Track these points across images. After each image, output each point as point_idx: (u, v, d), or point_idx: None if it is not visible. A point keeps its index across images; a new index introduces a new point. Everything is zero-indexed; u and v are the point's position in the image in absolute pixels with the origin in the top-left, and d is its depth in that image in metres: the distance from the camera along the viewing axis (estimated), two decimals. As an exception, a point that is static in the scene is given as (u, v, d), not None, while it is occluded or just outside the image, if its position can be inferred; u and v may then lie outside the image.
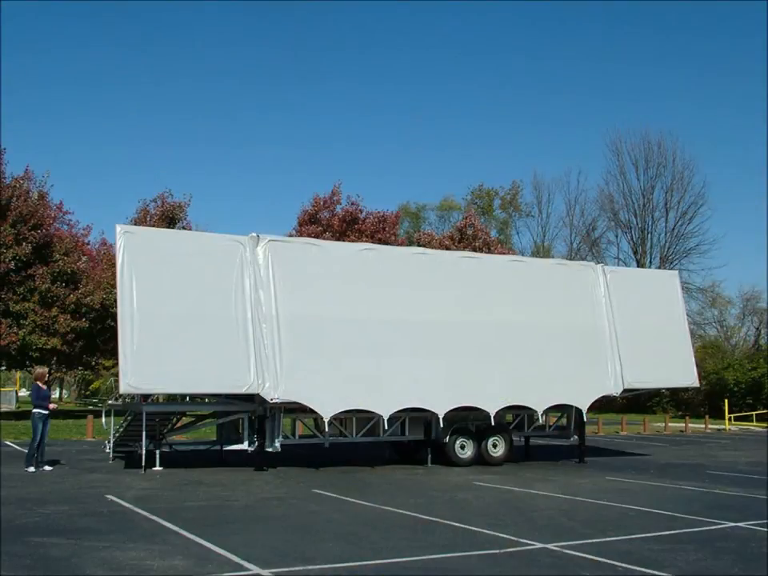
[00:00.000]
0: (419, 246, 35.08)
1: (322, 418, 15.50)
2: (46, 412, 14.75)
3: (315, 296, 15.52)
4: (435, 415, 15.88)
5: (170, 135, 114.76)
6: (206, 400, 16.73)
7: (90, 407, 48.56)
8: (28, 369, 36.95)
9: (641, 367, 18.20)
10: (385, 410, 15.35)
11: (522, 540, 8.48)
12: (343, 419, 16.10)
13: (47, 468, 14.50)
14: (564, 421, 18.67)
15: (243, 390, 14.59)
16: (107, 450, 16.40)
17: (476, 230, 43.93)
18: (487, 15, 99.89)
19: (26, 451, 14.92)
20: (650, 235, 60.50)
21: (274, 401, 14.70)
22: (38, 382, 15.01)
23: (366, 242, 31.66)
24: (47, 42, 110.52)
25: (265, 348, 14.73)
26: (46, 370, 16.99)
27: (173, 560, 7.35)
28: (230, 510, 10.37)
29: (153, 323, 14.05)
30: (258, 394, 14.64)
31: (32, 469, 14.26)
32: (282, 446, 15.31)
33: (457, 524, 9.42)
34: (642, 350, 18.25)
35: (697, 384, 19.97)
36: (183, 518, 9.52)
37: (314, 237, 30.16)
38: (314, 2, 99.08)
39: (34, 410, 14.72)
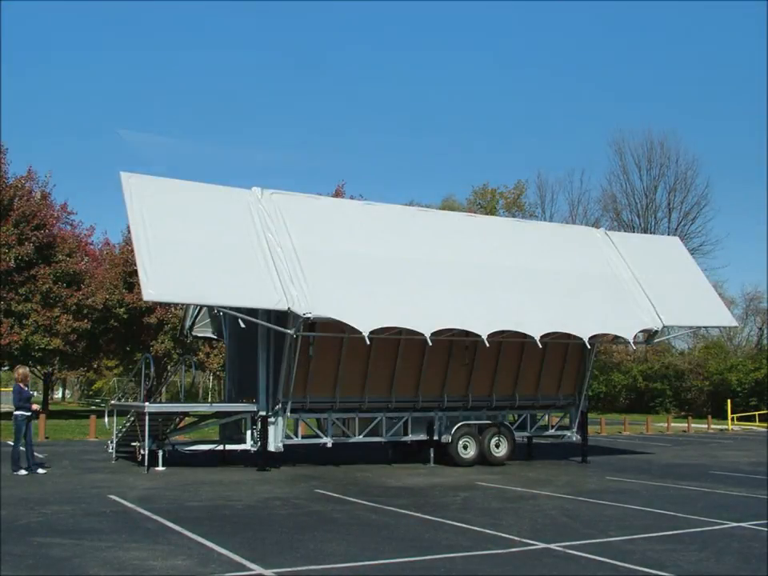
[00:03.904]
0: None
1: (324, 419, 15.51)
2: (29, 413, 14.22)
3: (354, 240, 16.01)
4: (438, 415, 16.09)
5: (171, 135, 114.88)
6: (209, 401, 16.72)
7: (93, 407, 48.64)
8: (31, 369, 37.00)
9: (674, 308, 18.44)
10: (427, 328, 14.69)
11: (524, 540, 8.48)
12: (345, 419, 16.18)
13: (40, 471, 14.09)
14: (567, 421, 18.69)
15: (274, 305, 14.08)
16: (110, 450, 16.44)
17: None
18: (491, 15, 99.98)
19: (11, 455, 14.14)
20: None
21: (306, 315, 14.10)
22: (20, 384, 14.25)
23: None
24: (48, 44, 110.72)
25: (290, 275, 14.50)
26: (28, 370, 16.07)
27: (175, 560, 7.36)
28: (233, 510, 10.37)
29: (171, 248, 13.89)
30: (290, 309, 14.04)
31: (23, 471, 13.79)
32: (284, 445, 15.34)
33: (459, 524, 9.42)
34: (669, 294, 18.61)
35: (735, 324, 20.11)
36: (186, 518, 9.54)
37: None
38: (312, 1, 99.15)
39: (17, 413, 14.13)
